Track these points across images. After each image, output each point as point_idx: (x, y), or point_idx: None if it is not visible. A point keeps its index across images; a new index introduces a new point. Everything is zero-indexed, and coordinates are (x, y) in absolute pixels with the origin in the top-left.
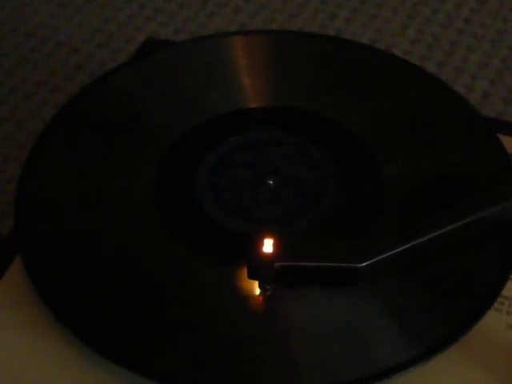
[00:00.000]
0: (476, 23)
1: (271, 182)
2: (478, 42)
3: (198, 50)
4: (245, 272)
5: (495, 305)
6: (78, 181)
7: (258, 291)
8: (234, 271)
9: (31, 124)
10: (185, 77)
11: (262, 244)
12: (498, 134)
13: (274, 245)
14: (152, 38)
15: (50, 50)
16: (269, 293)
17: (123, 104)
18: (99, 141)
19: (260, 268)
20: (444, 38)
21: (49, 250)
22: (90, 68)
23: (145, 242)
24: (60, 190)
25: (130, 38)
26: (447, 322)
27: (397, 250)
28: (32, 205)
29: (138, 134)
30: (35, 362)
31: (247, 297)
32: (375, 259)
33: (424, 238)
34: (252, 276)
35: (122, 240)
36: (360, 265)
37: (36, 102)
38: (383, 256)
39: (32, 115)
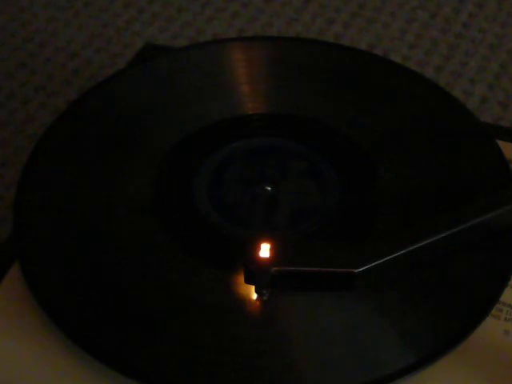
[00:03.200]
0: (474, 28)
1: (269, 188)
2: (477, 46)
3: (197, 56)
4: (241, 277)
5: (493, 311)
6: (77, 186)
7: (254, 296)
8: (231, 276)
9: (29, 128)
10: (183, 83)
11: (259, 248)
12: (497, 140)
13: (271, 249)
14: (150, 43)
15: (48, 55)
16: (265, 298)
17: (122, 109)
18: (98, 146)
19: (256, 272)
20: (442, 42)
21: (47, 256)
22: (89, 73)
23: (143, 247)
24: (59, 195)
25: (129, 43)
26: (445, 328)
27: (394, 255)
28: (31, 210)
29: (136, 139)
30: (34, 368)
31: (244, 301)
32: (372, 264)
33: (422, 243)
34: (248, 280)
35: (121, 245)
36: (357, 270)
37: (34, 106)
38: (380, 261)
39: (30, 120)
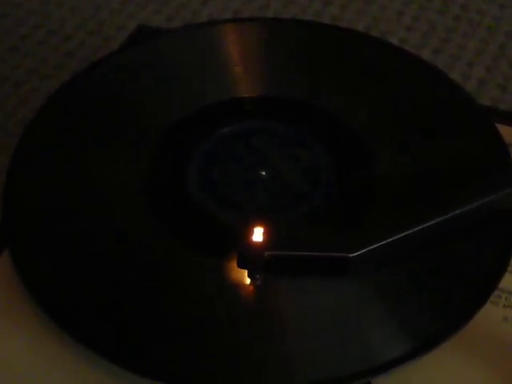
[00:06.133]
0: (472, 10)
1: (264, 173)
2: (475, 28)
3: (191, 38)
4: (234, 262)
5: (492, 298)
6: (67, 172)
7: (247, 280)
8: (224, 262)
9: (21, 113)
10: (176, 65)
11: (252, 233)
12: (495, 123)
13: (264, 234)
14: (144, 25)
15: (41, 38)
16: (258, 282)
17: (114, 93)
18: (89, 131)
19: (250, 257)
20: (440, 24)
21: (38, 244)
22: (82, 55)
23: (136, 234)
24: (50, 181)
25: (122, 26)
26: (443, 315)
27: (389, 240)
28: (21, 197)
29: (128, 123)
30: (22, 355)
31: (237, 286)
32: (367, 249)
33: (417, 228)
34: (241, 265)
35: (113, 232)
36: (351, 254)
37: (26, 90)
38: (375, 246)
39: (22, 103)
